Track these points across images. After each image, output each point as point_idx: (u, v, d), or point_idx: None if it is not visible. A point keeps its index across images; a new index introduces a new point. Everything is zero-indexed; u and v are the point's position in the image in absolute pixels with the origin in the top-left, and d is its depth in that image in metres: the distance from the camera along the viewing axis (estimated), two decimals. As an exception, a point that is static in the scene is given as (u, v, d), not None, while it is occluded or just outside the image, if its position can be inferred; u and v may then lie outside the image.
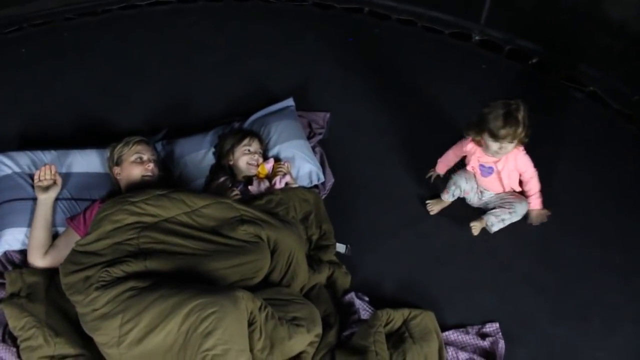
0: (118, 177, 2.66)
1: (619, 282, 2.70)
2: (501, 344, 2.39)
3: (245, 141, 2.83)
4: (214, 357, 1.85)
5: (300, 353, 2.18)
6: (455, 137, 3.14)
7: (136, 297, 2.01)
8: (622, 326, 2.55)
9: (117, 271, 2.12)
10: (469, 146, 2.73)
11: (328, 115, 3.36)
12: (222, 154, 2.88)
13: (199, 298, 1.93)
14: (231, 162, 2.85)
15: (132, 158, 2.64)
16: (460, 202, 2.96)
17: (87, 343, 2.19)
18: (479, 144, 2.67)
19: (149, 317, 1.96)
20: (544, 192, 2.82)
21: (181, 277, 2.14)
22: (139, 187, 2.51)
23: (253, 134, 2.91)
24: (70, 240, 2.42)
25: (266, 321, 2.06)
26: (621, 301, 2.63)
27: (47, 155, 2.83)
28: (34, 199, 2.62)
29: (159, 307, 1.95)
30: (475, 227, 2.82)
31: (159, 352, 1.98)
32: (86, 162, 2.86)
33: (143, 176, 2.60)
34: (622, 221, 2.87)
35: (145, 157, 2.65)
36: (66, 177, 2.77)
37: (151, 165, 2.63)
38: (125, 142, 2.69)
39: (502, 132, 2.50)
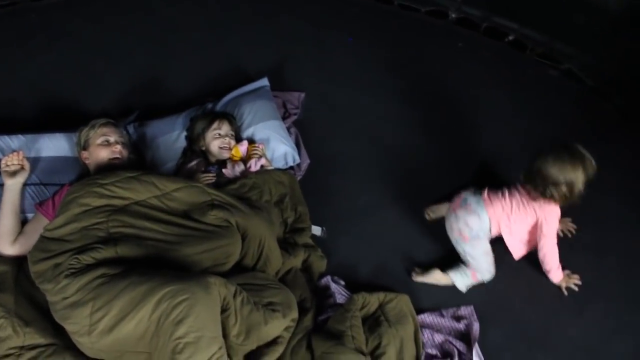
0: (87, 162, 2.61)
1: (590, 262, 2.73)
2: (476, 326, 2.41)
3: (215, 124, 2.78)
4: (186, 345, 1.83)
5: (276, 338, 2.17)
6: (429, 116, 3.14)
7: (107, 285, 1.97)
8: (594, 304, 2.59)
9: (87, 258, 2.07)
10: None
11: (303, 95, 3.32)
12: (193, 139, 2.83)
13: (170, 285, 1.90)
14: (203, 148, 2.80)
15: (99, 141, 2.58)
16: (436, 184, 2.96)
17: (58, 332, 2.15)
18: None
19: (120, 305, 1.92)
20: (518, 173, 2.82)
21: (153, 263, 2.11)
22: (108, 170, 2.46)
23: (222, 116, 2.85)
24: (40, 226, 2.36)
25: (241, 306, 2.04)
26: (593, 280, 2.66)
27: (15, 141, 2.74)
28: (1, 185, 2.55)
29: (129, 295, 1.92)
30: (417, 276, 2.64)
31: (131, 340, 1.95)
32: (55, 146, 2.79)
33: (110, 159, 2.55)
34: (595, 200, 2.88)
35: (112, 139, 2.60)
36: (35, 162, 2.69)
37: (118, 147, 2.58)
38: (91, 125, 2.63)
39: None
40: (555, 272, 2.56)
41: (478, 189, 2.58)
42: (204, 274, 2.02)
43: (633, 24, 3.42)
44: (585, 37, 3.64)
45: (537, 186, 2.37)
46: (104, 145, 2.57)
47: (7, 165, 2.54)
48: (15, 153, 2.57)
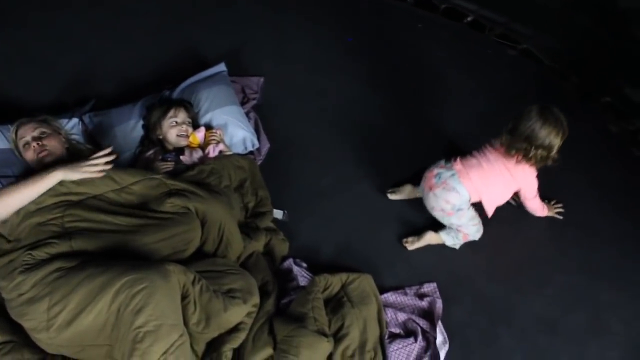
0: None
1: (551, 236, 2.77)
2: (439, 303, 2.42)
3: (171, 113, 2.73)
4: (146, 334, 1.80)
5: (238, 324, 2.14)
6: (390, 97, 3.14)
7: (63, 279, 1.92)
8: (554, 278, 2.63)
9: (40, 254, 2.02)
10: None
11: (262, 79, 3.29)
12: (150, 128, 2.77)
13: (128, 275, 1.86)
14: (160, 137, 2.74)
15: (21, 146, 2.46)
16: (398, 164, 2.96)
17: (15, 329, 2.08)
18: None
19: (78, 298, 1.88)
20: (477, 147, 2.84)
21: (110, 255, 2.06)
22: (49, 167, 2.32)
23: (178, 103, 2.80)
24: None
25: (200, 294, 2.02)
26: (552, 255, 2.71)
27: (-36, 132, 2.65)
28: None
29: (87, 287, 1.88)
30: (411, 244, 2.68)
31: (90, 333, 1.91)
32: (7, 137, 2.68)
33: (39, 157, 2.40)
34: (555, 175, 2.91)
35: (28, 138, 2.44)
36: (-15, 153, 2.60)
37: (36, 145, 2.39)
38: (12, 130, 2.51)
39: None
40: (542, 214, 2.76)
41: (448, 161, 2.59)
42: (162, 262, 1.99)
43: (589, 4, 3.46)
44: (543, 18, 3.69)
45: (517, 147, 2.42)
46: (26, 149, 2.44)
47: (95, 165, 2.26)
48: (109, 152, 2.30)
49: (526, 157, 2.43)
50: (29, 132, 2.45)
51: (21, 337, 2.08)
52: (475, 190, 2.52)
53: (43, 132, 2.46)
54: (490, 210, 2.60)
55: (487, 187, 2.53)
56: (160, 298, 1.84)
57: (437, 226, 2.68)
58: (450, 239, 2.65)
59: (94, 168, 2.22)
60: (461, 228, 2.61)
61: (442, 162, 2.60)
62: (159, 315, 1.82)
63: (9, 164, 2.61)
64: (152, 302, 1.82)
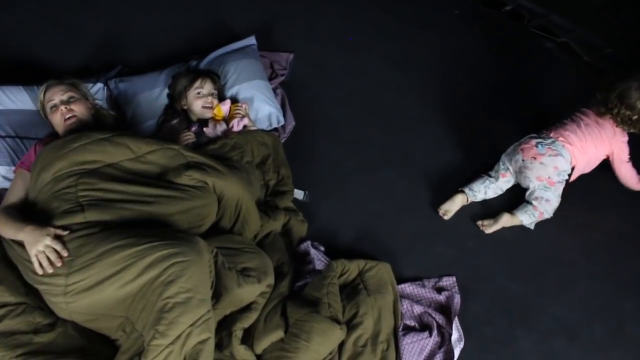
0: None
1: (578, 240, 2.69)
2: (457, 299, 2.36)
3: (197, 83, 2.67)
4: (175, 305, 1.79)
5: (251, 304, 2.11)
6: (420, 82, 3.05)
7: (87, 246, 1.90)
8: (578, 283, 2.55)
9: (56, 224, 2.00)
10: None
11: (292, 56, 3.22)
12: (175, 97, 2.72)
13: (160, 249, 1.85)
14: (185, 107, 2.69)
15: (48, 108, 2.43)
16: (424, 152, 2.88)
17: (28, 292, 2.07)
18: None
19: (101, 267, 1.86)
20: (514, 138, 2.76)
21: (126, 225, 2.03)
22: (76, 131, 2.31)
23: (205, 74, 2.74)
24: (26, 181, 2.25)
25: (217, 269, 2.00)
26: (579, 258, 2.63)
27: (-9, 91, 2.63)
28: None
29: (113, 257, 1.86)
30: (488, 227, 2.66)
31: (109, 302, 1.89)
32: (32, 98, 2.66)
33: (66, 124, 2.37)
34: (586, 177, 2.82)
35: (56, 101, 2.41)
36: (11, 114, 2.59)
37: (65, 108, 2.38)
38: (40, 91, 2.47)
39: None
40: (635, 184, 2.79)
41: (537, 133, 2.66)
42: (194, 236, 1.98)
43: (631, 0, 3.35)
44: (584, 12, 3.57)
45: (609, 102, 2.55)
46: (53, 111, 2.41)
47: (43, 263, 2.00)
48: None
49: (612, 114, 2.56)
50: (57, 95, 2.42)
51: (34, 300, 2.07)
52: (574, 155, 2.59)
53: (72, 97, 2.43)
54: (575, 175, 2.66)
55: (584, 150, 2.61)
56: (193, 272, 1.84)
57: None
58: (528, 218, 2.62)
59: (43, 264, 1.93)
60: (548, 204, 2.60)
61: (533, 135, 2.66)
62: (189, 288, 1.81)
63: (34, 125, 2.60)
64: (185, 275, 1.82)
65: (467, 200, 2.72)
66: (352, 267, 2.36)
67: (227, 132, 2.63)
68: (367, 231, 2.62)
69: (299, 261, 2.43)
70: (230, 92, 2.86)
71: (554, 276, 2.56)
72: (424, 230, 2.66)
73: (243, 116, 2.69)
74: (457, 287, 2.43)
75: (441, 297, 2.39)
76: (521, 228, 2.68)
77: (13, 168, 2.42)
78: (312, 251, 2.44)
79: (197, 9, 3.42)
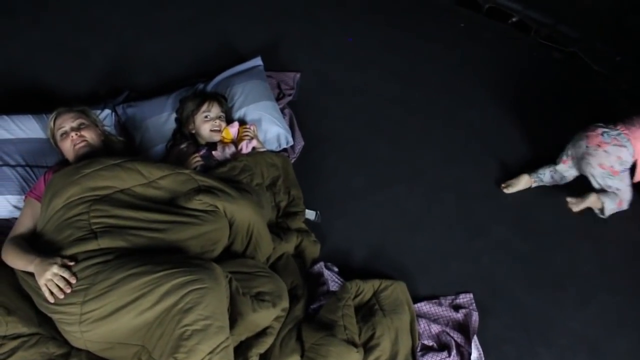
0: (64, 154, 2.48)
1: (595, 252, 2.65)
2: (475, 317, 2.32)
3: (204, 106, 2.66)
4: (194, 332, 1.77)
5: (266, 329, 2.08)
6: (427, 97, 3.03)
7: (102, 274, 1.89)
8: (597, 297, 2.51)
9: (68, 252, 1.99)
10: None
11: (298, 75, 3.22)
12: (183, 121, 2.71)
13: (178, 276, 1.83)
14: (193, 131, 2.69)
15: (58, 135, 2.44)
16: (434, 166, 2.85)
17: (42, 322, 2.06)
18: None
19: (118, 295, 1.85)
20: (520, 153, 2.73)
21: (140, 252, 2.01)
22: (87, 157, 2.32)
23: (212, 97, 2.73)
24: (36, 211, 2.25)
25: (232, 294, 1.98)
26: (597, 272, 2.58)
27: (-1, 121, 2.63)
28: None
29: (129, 285, 1.84)
30: (576, 205, 2.67)
31: (125, 331, 1.88)
32: (41, 127, 2.66)
33: (76, 150, 2.37)
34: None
35: (66, 128, 2.42)
36: (20, 142, 2.58)
37: (75, 135, 2.38)
38: (50, 119, 2.48)
39: None
40: None
41: (606, 124, 2.67)
42: (210, 263, 1.96)
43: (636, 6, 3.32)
44: (592, 20, 3.54)
45: None
46: (63, 138, 2.41)
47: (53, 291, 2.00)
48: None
49: None
50: (68, 122, 2.42)
51: (47, 330, 2.05)
52: (637, 150, 2.61)
53: (82, 123, 2.43)
54: (638, 174, 2.69)
55: None
56: (211, 299, 1.82)
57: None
58: (610, 202, 2.64)
59: (53, 291, 1.93)
60: (620, 192, 2.63)
61: (600, 124, 2.68)
62: (208, 315, 1.80)
63: (43, 154, 2.59)
64: (203, 303, 1.80)
65: (532, 182, 2.80)
66: (367, 288, 2.32)
67: (236, 155, 2.62)
68: (380, 249, 2.59)
69: (312, 283, 2.40)
70: (237, 114, 2.85)
71: (572, 290, 2.52)
72: (437, 246, 2.63)
73: (252, 138, 2.67)
74: (474, 304, 2.40)
75: (459, 315, 2.35)
76: (535, 240, 2.66)
77: (23, 197, 2.42)
78: (326, 272, 2.41)
79: (202, 31, 3.43)
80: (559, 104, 3.27)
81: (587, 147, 2.65)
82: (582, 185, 2.72)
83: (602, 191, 2.66)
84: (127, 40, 3.34)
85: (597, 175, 2.63)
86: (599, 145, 2.60)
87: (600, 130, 2.64)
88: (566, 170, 2.80)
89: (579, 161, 2.71)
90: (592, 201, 2.66)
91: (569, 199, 2.69)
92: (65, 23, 3.38)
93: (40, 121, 2.67)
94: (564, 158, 2.78)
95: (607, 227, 2.72)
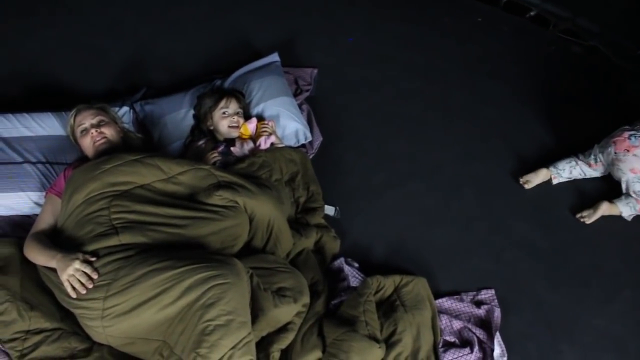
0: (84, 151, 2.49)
1: (618, 248, 2.61)
2: (497, 312, 2.29)
3: (222, 103, 2.66)
4: (216, 327, 1.77)
5: (287, 324, 2.07)
6: (446, 93, 3.01)
7: (124, 269, 1.90)
8: (621, 293, 2.47)
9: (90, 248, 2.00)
10: None
11: (315, 71, 3.21)
12: (200, 118, 2.71)
13: (199, 272, 1.83)
14: (211, 127, 2.68)
15: (78, 132, 2.45)
16: (454, 162, 2.83)
17: (64, 316, 2.08)
18: None
19: (140, 291, 1.85)
20: (539, 147, 2.70)
21: (161, 248, 2.01)
22: (107, 153, 2.33)
23: (230, 93, 2.72)
24: (56, 207, 2.27)
25: (253, 290, 1.98)
26: (621, 268, 2.54)
27: (18, 118, 2.65)
28: (8, 163, 2.46)
29: (151, 281, 1.85)
30: (588, 217, 2.66)
31: (147, 326, 1.88)
32: (61, 124, 2.68)
33: (96, 146, 2.38)
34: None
35: (86, 125, 2.43)
36: (40, 140, 2.60)
37: (95, 132, 2.39)
38: (70, 115, 2.49)
39: None
40: None
41: (632, 125, 2.65)
42: (232, 258, 1.96)
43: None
44: (612, 13, 3.49)
45: None
46: (83, 135, 2.42)
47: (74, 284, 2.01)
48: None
49: None
50: (88, 119, 2.43)
51: (69, 325, 2.07)
52: None
53: (101, 120, 2.44)
54: None
55: None
56: (233, 295, 1.82)
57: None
58: (628, 209, 2.62)
59: (75, 285, 1.94)
60: None
61: (626, 127, 2.64)
62: (230, 310, 1.79)
63: (63, 151, 2.61)
64: (225, 298, 1.80)
65: (550, 177, 2.77)
66: (388, 283, 2.31)
67: (255, 151, 2.61)
68: (400, 245, 2.58)
69: (333, 279, 2.39)
70: (255, 110, 2.84)
71: (596, 286, 2.49)
72: (457, 242, 2.61)
73: (270, 134, 2.66)
74: (496, 300, 2.37)
75: (481, 311, 2.33)
76: (557, 236, 2.63)
77: (44, 193, 2.43)
78: (346, 268, 2.40)
79: (218, 28, 3.43)
80: (578, 99, 3.23)
81: (615, 153, 2.61)
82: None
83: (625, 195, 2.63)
84: (144, 38, 3.35)
85: (630, 181, 2.59)
86: (628, 150, 2.56)
87: (626, 134, 2.59)
88: (592, 171, 2.77)
89: (609, 167, 2.68)
90: (604, 209, 2.64)
91: (579, 215, 2.67)
92: (82, 21, 3.39)
93: (60, 118, 2.68)
94: (592, 162, 2.74)
95: (630, 223, 2.68)
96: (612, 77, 3.39)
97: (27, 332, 2.04)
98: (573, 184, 2.83)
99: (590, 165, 2.75)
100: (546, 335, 2.32)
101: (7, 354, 2.02)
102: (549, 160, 2.86)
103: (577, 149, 2.86)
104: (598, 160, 2.72)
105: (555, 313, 2.39)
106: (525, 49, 3.52)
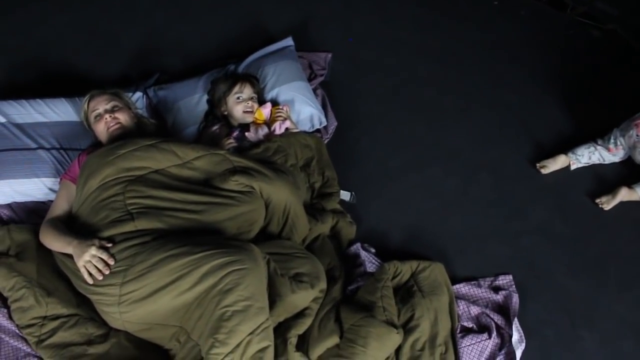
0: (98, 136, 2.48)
1: (638, 234, 2.58)
2: (515, 298, 2.27)
3: (236, 88, 2.63)
4: (234, 313, 1.76)
5: (304, 310, 2.06)
6: (462, 77, 2.97)
7: (141, 255, 1.89)
8: (642, 279, 2.44)
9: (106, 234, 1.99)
10: None
11: (330, 55, 3.18)
12: (215, 103, 2.69)
13: (216, 257, 1.82)
14: (225, 112, 2.66)
15: (92, 118, 2.44)
16: (470, 147, 2.79)
17: (81, 302, 2.08)
18: None
19: (157, 277, 1.84)
20: (557, 133, 2.66)
21: (177, 234, 2.00)
22: (122, 138, 2.31)
23: (244, 78, 2.69)
24: (71, 193, 2.27)
25: (270, 276, 1.96)
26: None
27: (32, 104, 2.64)
28: (22, 149, 2.46)
29: (168, 267, 1.84)
30: (607, 203, 2.64)
31: (164, 312, 1.88)
32: (75, 110, 2.67)
33: (110, 131, 2.37)
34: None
35: (100, 110, 2.42)
36: (54, 126, 2.59)
37: (109, 117, 2.38)
38: (84, 101, 2.48)
39: None
40: None
41: None
42: (249, 244, 1.95)
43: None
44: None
45: None
46: (97, 120, 2.41)
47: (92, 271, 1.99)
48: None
49: None
50: (101, 105, 2.42)
51: (86, 311, 2.07)
52: None
53: (115, 106, 2.43)
54: None
55: None
56: (251, 280, 1.81)
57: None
58: None
59: (92, 272, 1.93)
60: None
61: None
62: (248, 296, 1.79)
63: (77, 136, 2.60)
64: (243, 284, 1.79)
65: (569, 163, 2.74)
66: (405, 269, 2.29)
67: (269, 136, 2.59)
68: (417, 231, 2.56)
69: (349, 264, 2.37)
70: (270, 95, 2.82)
71: (615, 273, 2.45)
72: (475, 227, 2.58)
73: (285, 119, 2.64)
74: (514, 286, 2.35)
75: (498, 297, 2.30)
76: (575, 221, 2.60)
77: (58, 179, 2.43)
78: (363, 253, 2.38)
79: (231, 12, 3.40)
80: (597, 83, 3.18)
81: (637, 135, 2.58)
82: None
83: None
84: (157, 22, 3.33)
85: None
86: None
87: None
88: (611, 157, 2.73)
89: (631, 150, 2.65)
90: (623, 195, 2.60)
91: (598, 200, 2.64)
92: (94, 6, 3.38)
93: (73, 104, 2.67)
94: (611, 146, 2.70)
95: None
96: (631, 61, 3.33)
97: (44, 317, 2.05)
98: (591, 169, 2.79)
99: (609, 150, 2.71)
100: (565, 322, 2.30)
101: (25, 340, 2.03)
102: (566, 145, 2.82)
103: (595, 134, 2.81)
104: (618, 143, 2.68)
105: (574, 299, 2.37)
106: (542, 33, 3.46)
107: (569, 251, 2.52)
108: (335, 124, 2.87)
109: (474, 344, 2.14)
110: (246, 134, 2.59)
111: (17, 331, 2.05)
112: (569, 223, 2.58)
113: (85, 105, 2.46)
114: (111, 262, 1.91)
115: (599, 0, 3.51)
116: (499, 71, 3.23)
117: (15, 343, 2.03)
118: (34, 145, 2.51)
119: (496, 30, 3.44)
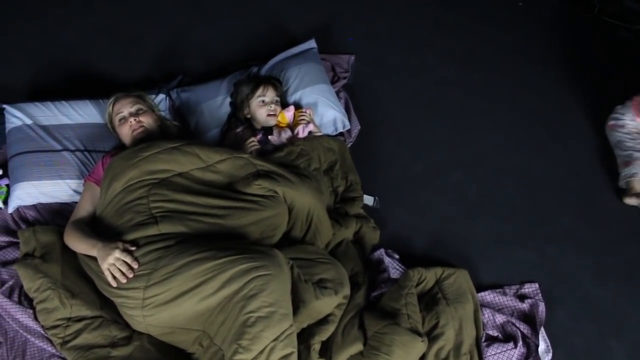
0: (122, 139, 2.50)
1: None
2: (542, 307, 2.23)
3: (259, 91, 2.62)
4: (258, 319, 1.75)
5: (328, 316, 2.04)
6: (487, 79, 2.92)
7: (165, 259, 1.89)
8: (673, 287, 2.39)
9: (130, 237, 2.00)
10: None
11: (353, 58, 3.15)
12: (238, 106, 2.68)
13: (241, 262, 1.81)
14: (248, 115, 2.65)
15: (117, 120, 2.45)
16: (496, 151, 2.75)
17: (104, 305, 2.09)
18: None
19: (181, 281, 1.84)
20: (583, 138, 2.61)
21: (201, 238, 2.00)
22: (142, 142, 2.32)
23: (267, 80, 2.69)
24: (95, 195, 2.28)
25: (294, 281, 1.95)
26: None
27: (57, 106, 2.66)
28: (46, 151, 2.48)
29: (192, 271, 1.83)
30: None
31: (187, 316, 1.87)
32: (99, 112, 2.69)
33: (134, 135, 2.38)
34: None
35: (125, 114, 2.43)
36: (79, 127, 2.61)
37: (134, 120, 2.39)
38: (108, 104, 2.50)
39: None
40: None
41: None
42: (273, 249, 1.94)
43: None
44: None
45: None
46: (122, 123, 2.42)
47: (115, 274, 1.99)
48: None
49: None
50: (126, 108, 2.43)
51: (109, 314, 2.08)
52: None
53: (140, 109, 2.44)
54: None
55: None
56: (275, 286, 1.80)
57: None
58: None
59: (116, 274, 1.94)
60: None
61: None
62: (272, 302, 1.77)
63: (101, 138, 2.61)
64: (267, 289, 1.78)
65: None
66: (429, 276, 2.26)
67: (293, 139, 2.58)
68: (441, 237, 2.53)
69: (373, 270, 2.35)
70: (293, 98, 2.80)
71: (644, 280, 2.41)
72: (500, 234, 2.54)
73: (308, 122, 2.63)
74: (540, 295, 2.30)
75: (524, 306, 2.26)
76: (604, 229, 2.54)
77: (83, 181, 2.44)
78: (386, 259, 2.36)
79: (253, 14, 3.40)
80: (626, 87, 3.10)
81: None
82: None
83: None
84: (179, 24, 3.33)
85: None
86: None
87: None
88: None
89: None
90: None
91: (626, 201, 2.58)
92: (117, 8, 3.39)
93: (98, 106, 2.69)
94: None
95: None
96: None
97: (69, 319, 2.06)
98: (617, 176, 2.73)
99: None
100: (593, 331, 2.26)
101: (50, 341, 2.05)
102: (597, 151, 2.76)
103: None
104: None
105: (603, 308, 2.32)
106: (568, 35, 3.41)
107: (597, 258, 2.47)
108: (359, 127, 2.85)
109: (499, 353, 2.11)
110: (269, 137, 2.58)
111: (42, 332, 2.07)
112: (597, 230, 2.53)
113: (110, 108, 2.48)
114: (135, 265, 1.91)
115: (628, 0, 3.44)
116: (524, 73, 3.18)
117: (41, 344, 2.06)
118: (58, 147, 2.53)
119: (521, 31, 3.39)
